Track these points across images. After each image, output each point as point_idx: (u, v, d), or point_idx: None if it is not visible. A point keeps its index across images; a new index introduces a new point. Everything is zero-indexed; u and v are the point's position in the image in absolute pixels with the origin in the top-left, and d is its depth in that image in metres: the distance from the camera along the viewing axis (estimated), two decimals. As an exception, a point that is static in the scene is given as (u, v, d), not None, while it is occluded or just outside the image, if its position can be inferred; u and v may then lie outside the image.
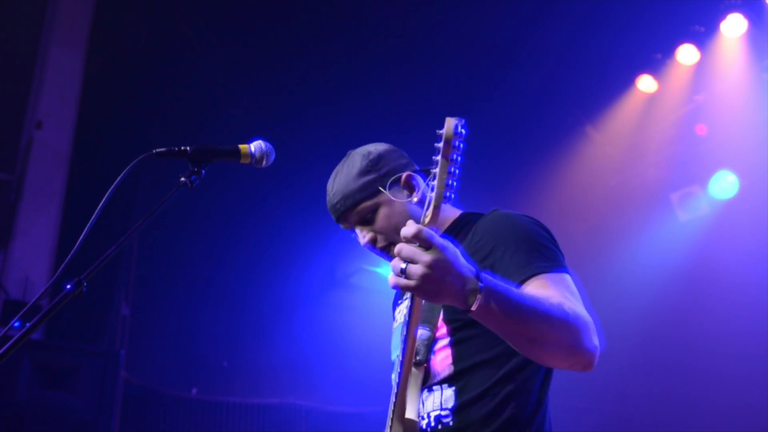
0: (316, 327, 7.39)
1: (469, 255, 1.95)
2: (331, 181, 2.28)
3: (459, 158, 1.58)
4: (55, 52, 6.38)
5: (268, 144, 2.22)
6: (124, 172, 2.02)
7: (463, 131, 1.58)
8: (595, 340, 1.74)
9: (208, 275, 7.17)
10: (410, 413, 1.91)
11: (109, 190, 1.98)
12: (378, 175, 2.22)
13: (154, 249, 6.83)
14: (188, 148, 2.10)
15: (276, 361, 7.21)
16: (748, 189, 6.68)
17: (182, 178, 2.08)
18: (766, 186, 6.50)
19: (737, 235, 6.77)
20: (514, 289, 1.65)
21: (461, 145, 1.58)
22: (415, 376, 1.98)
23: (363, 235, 2.24)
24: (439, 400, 1.99)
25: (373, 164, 2.24)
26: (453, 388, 1.98)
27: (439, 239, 1.55)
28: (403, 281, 1.55)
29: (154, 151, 2.09)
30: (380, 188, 2.21)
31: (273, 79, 6.77)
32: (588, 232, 7.43)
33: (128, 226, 5.91)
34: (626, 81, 6.90)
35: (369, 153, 2.27)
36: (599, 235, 7.44)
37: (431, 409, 2.00)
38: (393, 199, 2.19)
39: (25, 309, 1.91)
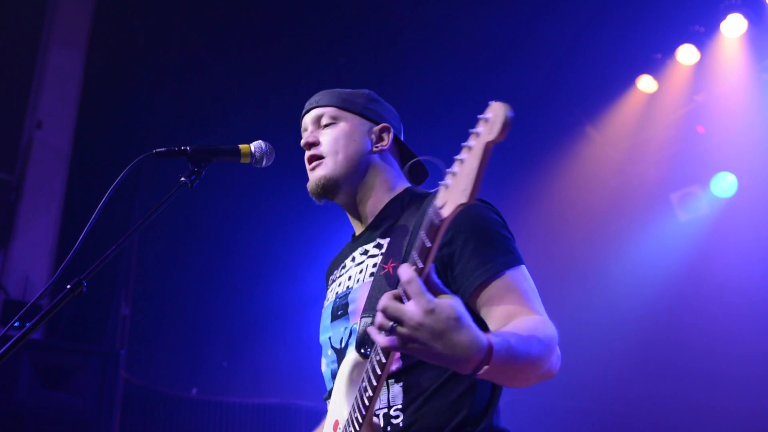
0: (316, 327, 7.37)
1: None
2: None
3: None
4: (55, 52, 6.39)
5: (268, 144, 2.23)
6: (124, 172, 2.03)
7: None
8: (559, 352, 1.71)
9: (208, 275, 7.17)
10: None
11: (109, 190, 1.98)
12: (365, 104, 2.22)
13: (154, 249, 6.83)
14: (188, 148, 2.11)
15: (276, 361, 7.20)
16: (747, 189, 6.68)
17: (182, 178, 2.09)
18: (765, 186, 6.50)
19: (737, 234, 6.77)
20: (512, 342, 1.51)
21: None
22: (359, 368, 1.86)
23: (309, 135, 2.20)
24: (386, 398, 1.89)
25: (369, 98, 2.26)
26: (401, 384, 1.87)
27: (431, 300, 1.34)
28: (387, 342, 1.39)
29: (154, 151, 2.10)
30: (352, 110, 2.18)
31: (273, 79, 6.76)
32: (588, 233, 7.43)
33: (128, 226, 5.91)
34: (626, 81, 6.90)
35: (372, 93, 2.29)
36: (599, 235, 7.44)
37: (378, 407, 1.89)
38: (357, 127, 2.18)
39: (24, 309, 1.91)
